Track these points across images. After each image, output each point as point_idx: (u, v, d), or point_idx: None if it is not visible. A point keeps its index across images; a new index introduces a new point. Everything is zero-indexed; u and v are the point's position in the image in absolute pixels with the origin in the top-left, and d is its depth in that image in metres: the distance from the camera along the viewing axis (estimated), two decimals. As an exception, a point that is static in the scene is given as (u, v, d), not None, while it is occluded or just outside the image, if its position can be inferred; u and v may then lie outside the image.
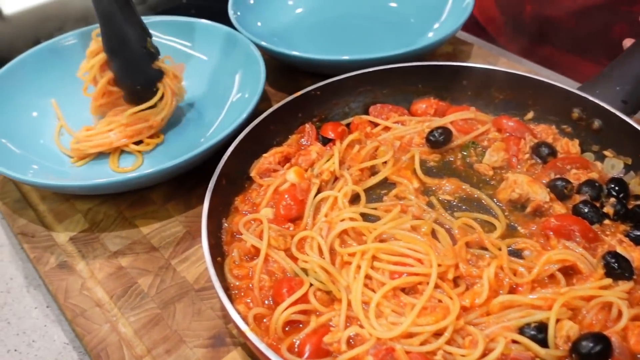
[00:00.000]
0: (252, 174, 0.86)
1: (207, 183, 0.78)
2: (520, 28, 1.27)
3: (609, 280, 0.67)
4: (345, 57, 1.00)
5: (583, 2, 1.11)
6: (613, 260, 0.69)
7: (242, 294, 0.72)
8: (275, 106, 0.89)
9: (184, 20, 1.09)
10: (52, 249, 0.86)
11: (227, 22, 1.09)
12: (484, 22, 1.35)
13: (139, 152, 0.97)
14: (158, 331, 0.75)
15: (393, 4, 1.25)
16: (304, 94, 0.92)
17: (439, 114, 0.95)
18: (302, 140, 0.92)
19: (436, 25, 1.14)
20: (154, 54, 0.94)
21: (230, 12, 1.12)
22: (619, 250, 0.72)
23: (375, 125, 0.95)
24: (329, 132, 0.91)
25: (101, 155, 0.98)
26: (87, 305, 0.79)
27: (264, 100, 1.09)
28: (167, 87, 0.97)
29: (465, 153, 0.90)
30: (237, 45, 1.03)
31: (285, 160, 0.88)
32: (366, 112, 0.97)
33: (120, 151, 0.99)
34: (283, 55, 1.03)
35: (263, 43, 1.03)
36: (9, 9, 1.18)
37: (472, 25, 1.36)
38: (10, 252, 0.95)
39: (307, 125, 0.92)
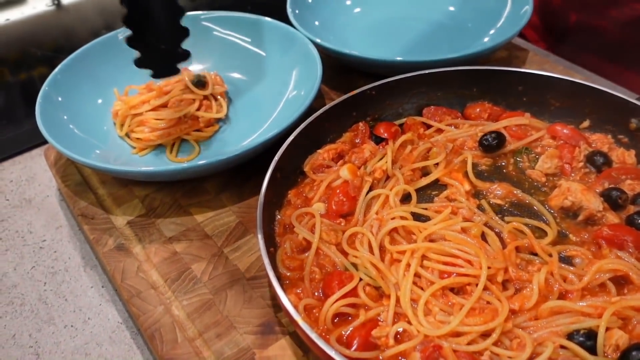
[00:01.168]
0: (306, 169, 0.88)
1: (261, 175, 0.81)
2: (564, 36, 1.27)
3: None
4: (399, 58, 1.02)
5: (630, 13, 1.10)
6: None
7: (293, 284, 0.75)
8: (331, 104, 0.92)
9: (245, 17, 1.12)
10: (111, 231, 0.90)
11: (284, 19, 1.12)
12: (524, 30, 1.35)
13: (196, 141, 1.01)
14: (209, 316, 0.78)
15: (451, 8, 1.26)
16: (358, 93, 0.94)
17: (492, 118, 0.96)
18: (356, 139, 0.94)
19: (492, 31, 1.15)
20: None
21: (289, 9, 1.14)
22: None
23: (428, 127, 0.96)
24: (382, 131, 0.93)
25: (161, 146, 1.02)
26: (142, 287, 0.82)
27: (319, 98, 1.11)
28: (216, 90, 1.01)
29: (517, 159, 0.91)
30: (295, 43, 1.05)
31: (339, 157, 0.90)
32: (419, 114, 0.98)
33: (180, 142, 1.02)
34: (339, 53, 1.06)
35: (320, 41, 1.05)
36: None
37: None
38: (69, 233, 1.00)
39: (360, 124, 0.94)
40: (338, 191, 0.84)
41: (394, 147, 0.90)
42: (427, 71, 0.96)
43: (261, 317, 0.77)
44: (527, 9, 1.11)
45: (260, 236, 0.73)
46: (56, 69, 1.02)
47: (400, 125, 0.97)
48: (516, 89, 0.96)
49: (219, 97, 1.05)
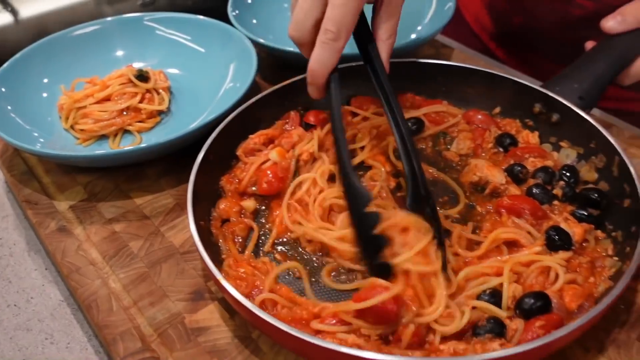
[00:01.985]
0: (238, 152, 0.95)
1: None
2: (510, 37, 1.36)
3: (538, 248, 0.76)
4: None
5: (564, 16, 1.19)
6: (554, 234, 0.79)
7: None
8: (263, 93, 0.99)
9: (185, 16, 1.20)
10: (53, 215, 0.96)
11: (226, 20, 1.19)
12: (477, 31, 1.44)
13: (138, 132, 1.07)
14: (144, 286, 0.84)
15: None
16: (289, 83, 1.01)
17: (414, 107, 1.04)
18: (286, 126, 1.00)
19: (419, 28, 1.23)
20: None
21: (229, 10, 1.22)
22: (563, 226, 0.80)
23: (355, 115, 1.03)
24: (312, 119, 1.00)
25: (104, 137, 1.08)
26: (81, 263, 0.88)
27: (257, 92, 1.17)
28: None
29: (435, 142, 0.99)
30: (232, 40, 1.13)
31: (270, 142, 0.97)
32: (348, 103, 1.06)
33: (122, 133, 1.08)
34: (274, 49, 1.13)
35: (255, 37, 1.13)
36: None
37: (468, 34, 1.45)
38: (14, 221, 1.04)
39: (291, 112, 1.01)
40: (268, 172, 0.90)
41: (321, 133, 0.97)
42: (353, 64, 1.03)
43: (192, 286, 0.83)
44: (450, 5, 1.20)
45: (190, 203, 0.80)
46: (5, 65, 1.08)
47: None
48: (435, 80, 1.05)
49: (161, 91, 1.11)
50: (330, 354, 0.64)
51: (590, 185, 0.88)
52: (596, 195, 0.84)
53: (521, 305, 0.71)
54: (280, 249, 0.85)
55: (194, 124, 1.00)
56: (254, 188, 0.91)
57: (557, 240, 0.78)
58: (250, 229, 0.87)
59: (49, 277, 0.95)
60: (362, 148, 0.97)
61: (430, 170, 0.94)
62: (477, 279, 0.75)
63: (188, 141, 0.97)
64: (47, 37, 1.14)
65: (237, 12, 1.22)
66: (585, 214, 0.83)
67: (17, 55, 1.10)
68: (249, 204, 0.89)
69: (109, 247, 0.90)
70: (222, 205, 0.89)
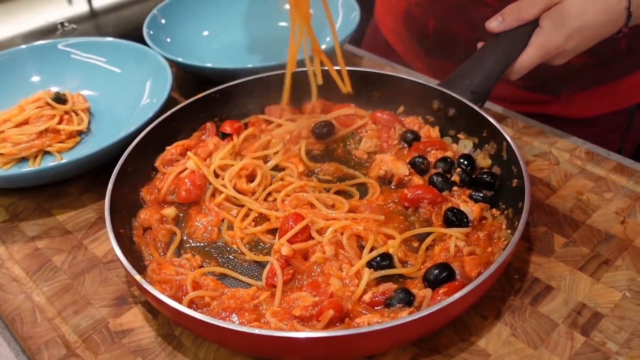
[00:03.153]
0: (157, 163, 0.99)
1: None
2: (425, 44, 1.43)
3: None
4: (232, 66, 1.17)
5: (478, 15, 1.26)
6: (451, 214, 0.87)
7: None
8: (179, 106, 1.04)
9: (99, 40, 1.24)
10: (-25, 237, 0.97)
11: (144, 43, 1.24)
12: (394, 44, 1.52)
13: (58, 152, 1.09)
14: (68, 297, 0.87)
15: (283, 24, 1.44)
16: (204, 95, 1.07)
17: (325, 112, 1.11)
18: (204, 136, 1.05)
19: (327, 39, 1.31)
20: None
21: (145, 30, 1.26)
22: (462, 207, 0.88)
23: (270, 123, 1.09)
24: (227, 128, 1.05)
25: (25, 160, 1.10)
26: (4, 281, 0.90)
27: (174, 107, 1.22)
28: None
29: (345, 142, 1.06)
30: (146, 58, 1.18)
31: (186, 152, 1.01)
32: (262, 112, 1.11)
33: (43, 154, 1.10)
34: (189, 66, 1.19)
35: (169, 55, 1.18)
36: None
37: (385, 48, 1.53)
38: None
39: (207, 124, 1.06)
40: (186, 180, 0.95)
41: (238, 141, 1.02)
42: (263, 74, 1.09)
43: (116, 293, 0.87)
44: (355, 14, 1.29)
45: (107, 214, 0.83)
46: None
47: (246, 124, 1.09)
48: (342, 83, 1.11)
49: (80, 112, 1.14)
50: (256, 338, 0.68)
51: (485, 170, 0.96)
52: (489, 178, 0.93)
53: (428, 276, 0.79)
54: (204, 249, 0.90)
55: (111, 140, 1.03)
56: (173, 196, 0.95)
57: (453, 218, 0.86)
58: (173, 234, 0.92)
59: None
60: (276, 153, 1.02)
61: (341, 168, 1.01)
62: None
63: (106, 157, 1.00)
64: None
65: (151, 32, 1.27)
66: (481, 195, 0.91)
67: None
68: (169, 211, 0.94)
69: (32, 263, 0.92)
70: (143, 215, 0.93)
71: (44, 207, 1.02)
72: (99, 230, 0.97)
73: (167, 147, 1.01)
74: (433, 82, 1.07)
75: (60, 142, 1.10)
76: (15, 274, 0.91)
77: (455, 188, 0.93)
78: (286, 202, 0.93)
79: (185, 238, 0.92)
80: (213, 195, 0.96)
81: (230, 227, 0.91)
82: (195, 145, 1.02)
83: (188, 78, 1.31)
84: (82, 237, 0.96)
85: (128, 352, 0.79)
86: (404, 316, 0.71)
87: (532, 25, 1.00)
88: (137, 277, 0.76)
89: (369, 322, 0.73)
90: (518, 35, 1.01)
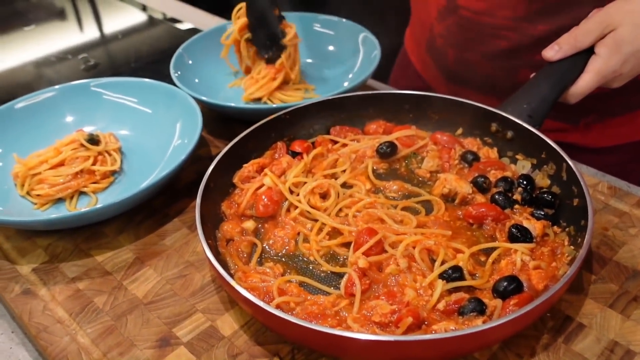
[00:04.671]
0: (235, 180, 1.06)
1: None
2: (446, 72, 1.49)
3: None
4: (264, 105, 1.21)
5: (494, 47, 1.32)
6: (515, 230, 0.91)
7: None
8: (252, 127, 1.09)
9: (130, 80, 1.27)
10: (17, 279, 0.99)
11: (170, 81, 1.28)
12: (421, 70, 1.57)
13: (93, 192, 1.13)
14: (112, 339, 0.88)
15: (309, 60, 1.47)
16: (275, 117, 1.13)
17: (386, 132, 1.17)
18: (275, 155, 1.12)
19: (350, 76, 1.35)
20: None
21: (172, 71, 1.30)
22: (525, 224, 0.93)
23: (335, 142, 1.16)
24: (297, 147, 1.11)
25: (61, 200, 1.13)
26: (49, 322, 0.92)
27: (204, 146, 1.26)
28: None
29: (407, 162, 1.11)
30: (177, 99, 1.20)
31: (262, 169, 1.07)
32: (328, 133, 1.18)
33: (79, 195, 1.14)
34: (217, 106, 1.22)
35: (198, 95, 1.21)
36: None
37: (414, 75, 1.58)
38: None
39: (279, 143, 1.13)
40: (263, 196, 1.01)
41: (308, 159, 1.08)
42: (329, 97, 1.17)
43: (158, 334, 0.88)
44: (376, 53, 1.34)
45: (199, 224, 0.90)
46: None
47: (313, 143, 1.15)
48: (403, 107, 1.18)
49: (112, 152, 1.17)
50: (342, 341, 0.74)
51: (545, 190, 1.00)
52: (550, 197, 0.97)
53: (497, 288, 0.82)
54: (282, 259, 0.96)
55: (146, 183, 1.06)
56: (251, 210, 1.01)
57: (517, 234, 0.91)
58: (254, 245, 0.97)
59: (16, 340, 0.98)
60: (344, 171, 1.08)
61: (406, 186, 1.06)
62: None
63: (142, 198, 1.03)
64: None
65: (179, 72, 1.31)
66: (542, 213, 0.96)
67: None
68: (249, 224, 1.00)
69: (74, 305, 0.94)
70: (225, 227, 0.99)
71: (81, 247, 1.05)
72: (137, 270, 0.99)
73: (245, 165, 1.07)
74: (491, 106, 1.11)
75: (94, 183, 1.13)
76: (59, 316, 0.93)
77: (516, 206, 0.98)
78: (357, 217, 0.98)
79: (266, 248, 0.97)
80: (288, 210, 1.01)
81: (306, 240, 0.97)
82: (270, 164, 1.08)
83: (213, 114, 1.35)
84: (122, 277, 0.98)
85: (173, 390, 0.82)
86: (479, 324, 0.76)
87: (587, 52, 1.06)
88: (232, 282, 0.80)
89: (445, 329, 0.77)
90: (573, 62, 1.07)
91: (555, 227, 0.94)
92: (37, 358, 0.95)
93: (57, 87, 1.25)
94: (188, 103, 1.18)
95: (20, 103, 1.22)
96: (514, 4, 1.25)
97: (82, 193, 1.13)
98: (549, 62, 1.10)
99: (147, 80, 1.26)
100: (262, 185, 1.03)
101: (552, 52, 1.10)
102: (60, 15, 2.13)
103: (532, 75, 1.14)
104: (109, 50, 1.81)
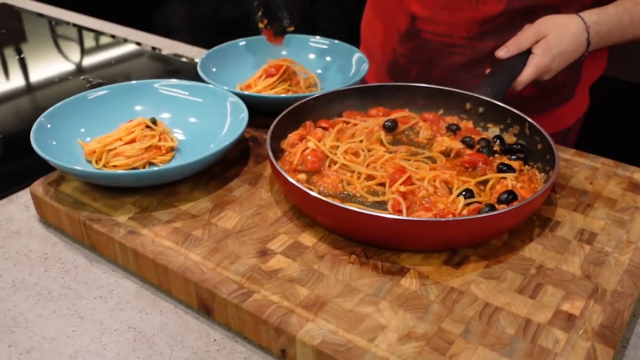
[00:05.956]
0: (284, 146, 1.36)
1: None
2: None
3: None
4: (290, 95, 1.54)
5: (452, 62, 1.72)
6: (502, 166, 1.28)
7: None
8: (288, 108, 1.40)
9: (186, 83, 1.58)
10: (118, 224, 1.21)
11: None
12: None
13: (160, 163, 1.37)
14: (219, 254, 1.12)
15: (319, 70, 1.82)
16: (304, 102, 1.44)
17: (386, 115, 1.51)
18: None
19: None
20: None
21: (202, 74, 1.60)
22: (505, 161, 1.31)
23: (348, 123, 1.48)
24: (323, 124, 1.44)
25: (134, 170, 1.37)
26: (161, 249, 1.14)
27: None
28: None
29: (407, 134, 1.46)
30: (219, 94, 1.52)
31: (301, 139, 1.38)
32: (341, 116, 1.51)
33: (149, 166, 1.38)
34: (249, 96, 1.54)
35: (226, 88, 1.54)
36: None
37: None
38: (65, 247, 1.27)
39: (307, 122, 1.44)
40: (309, 156, 1.31)
41: (334, 131, 1.40)
42: (340, 89, 1.51)
43: (256, 249, 1.12)
44: (365, 66, 1.70)
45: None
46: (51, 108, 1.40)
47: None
48: (396, 96, 1.54)
49: (169, 133, 1.43)
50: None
51: (514, 143, 1.40)
52: (519, 146, 1.37)
53: (501, 198, 1.17)
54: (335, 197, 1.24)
55: (213, 149, 1.31)
56: (301, 166, 1.31)
57: (504, 168, 1.28)
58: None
59: (119, 275, 1.20)
60: (361, 140, 1.40)
61: (411, 149, 1.40)
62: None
63: (211, 161, 1.31)
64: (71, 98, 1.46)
65: (214, 69, 1.62)
66: (515, 157, 1.34)
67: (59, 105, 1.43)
68: (302, 176, 1.28)
69: (177, 237, 1.18)
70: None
71: (164, 201, 1.28)
72: (219, 213, 1.24)
73: (289, 135, 1.38)
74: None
75: (161, 156, 1.38)
76: (167, 245, 1.15)
77: (496, 155, 1.34)
78: (384, 166, 1.29)
79: (320, 190, 1.26)
80: (329, 165, 1.32)
81: (348, 184, 1.26)
82: (308, 133, 1.39)
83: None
84: (209, 218, 1.23)
85: (285, 281, 1.07)
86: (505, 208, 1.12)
87: (527, 53, 1.50)
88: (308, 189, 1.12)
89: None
90: (517, 59, 1.51)
91: (526, 166, 1.32)
92: (142, 286, 1.17)
93: (124, 83, 1.55)
94: (231, 95, 1.47)
95: (92, 94, 1.47)
96: (467, 27, 1.68)
97: (151, 164, 1.37)
98: (500, 60, 1.52)
99: (196, 83, 1.57)
100: (307, 148, 1.33)
101: (503, 52, 1.52)
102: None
103: (488, 70, 1.55)
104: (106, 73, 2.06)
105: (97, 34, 2.44)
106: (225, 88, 1.51)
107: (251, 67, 1.79)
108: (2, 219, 1.36)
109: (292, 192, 1.20)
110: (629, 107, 3.56)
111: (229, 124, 1.45)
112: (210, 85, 1.55)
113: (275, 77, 1.62)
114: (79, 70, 2.14)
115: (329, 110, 1.51)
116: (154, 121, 1.41)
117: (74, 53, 2.30)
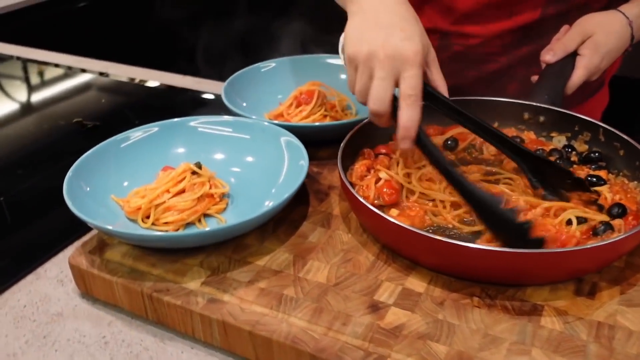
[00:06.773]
0: (353, 179, 1.22)
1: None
2: None
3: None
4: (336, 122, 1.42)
5: (485, 70, 1.64)
6: (591, 178, 1.21)
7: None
8: (348, 135, 1.28)
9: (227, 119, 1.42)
10: (193, 293, 1.04)
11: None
12: None
13: (216, 213, 1.21)
14: (325, 315, 0.98)
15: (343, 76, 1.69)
16: (359, 128, 1.31)
17: (440, 133, 1.41)
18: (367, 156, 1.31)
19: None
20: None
21: (227, 104, 1.47)
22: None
23: None
24: (382, 150, 1.32)
25: (190, 224, 1.21)
26: (257, 317, 0.99)
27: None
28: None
29: (469, 151, 1.37)
30: (268, 129, 1.37)
31: (368, 169, 1.25)
32: (392, 139, 1.38)
33: (204, 218, 1.22)
34: (294, 127, 1.40)
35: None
36: None
37: None
38: (123, 324, 1.10)
39: (365, 149, 1.31)
40: (384, 188, 1.19)
41: (399, 157, 1.28)
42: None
43: (364, 303, 1.00)
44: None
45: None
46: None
47: None
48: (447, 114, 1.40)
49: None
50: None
51: (588, 151, 1.32)
52: (596, 153, 1.29)
53: (611, 212, 1.10)
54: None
55: (280, 198, 1.14)
56: (378, 200, 1.18)
57: (594, 181, 1.20)
58: None
59: (202, 352, 1.03)
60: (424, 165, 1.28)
61: (483, 167, 1.30)
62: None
63: (277, 211, 1.15)
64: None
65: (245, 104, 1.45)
66: (595, 165, 1.26)
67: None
68: (393, 211, 1.16)
69: (268, 300, 1.02)
70: None
71: (235, 258, 1.12)
72: (304, 264, 1.09)
73: (354, 167, 1.25)
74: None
75: (215, 205, 1.21)
76: (260, 311, 1.00)
77: (575, 166, 1.26)
78: None
79: None
80: (407, 196, 1.20)
81: (434, 215, 1.16)
82: (374, 163, 1.26)
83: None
84: (295, 272, 1.08)
85: (414, 339, 0.93)
86: (622, 234, 1.01)
87: (573, 54, 1.44)
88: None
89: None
90: (565, 62, 1.43)
91: (611, 175, 1.25)
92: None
93: (155, 123, 1.37)
94: (284, 133, 1.33)
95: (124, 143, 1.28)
96: (503, 34, 1.60)
97: (206, 215, 1.20)
98: (547, 64, 1.46)
99: (238, 118, 1.42)
100: (379, 179, 1.21)
101: (550, 56, 1.46)
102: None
103: (535, 77, 1.47)
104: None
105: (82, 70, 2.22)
106: (267, 123, 1.37)
107: (273, 93, 1.64)
108: (36, 299, 1.16)
109: (389, 232, 1.07)
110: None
111: (287, 164, 1.29)
112: (259, 121, 1.40)
113: (312, 104, 1.48)
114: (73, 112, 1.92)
115: (382, 133, 1.38)
116: (199, 166, 1.24)
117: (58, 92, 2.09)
